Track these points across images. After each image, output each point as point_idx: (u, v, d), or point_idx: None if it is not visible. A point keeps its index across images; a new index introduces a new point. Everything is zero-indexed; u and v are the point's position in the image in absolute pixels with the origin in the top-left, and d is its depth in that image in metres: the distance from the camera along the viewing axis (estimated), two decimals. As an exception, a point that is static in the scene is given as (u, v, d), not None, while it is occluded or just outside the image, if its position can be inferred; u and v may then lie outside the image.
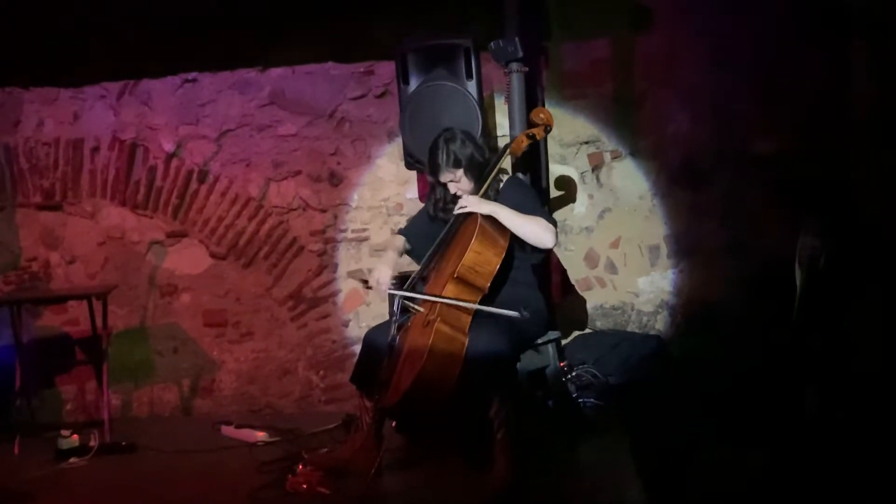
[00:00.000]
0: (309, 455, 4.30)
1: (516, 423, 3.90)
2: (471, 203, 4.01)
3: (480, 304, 3.87)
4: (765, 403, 4.67)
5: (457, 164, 4.15)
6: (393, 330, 3.88)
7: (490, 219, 3.96)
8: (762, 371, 4.85)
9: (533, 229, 4.00)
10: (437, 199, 4.37)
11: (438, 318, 3.77)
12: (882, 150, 4.76)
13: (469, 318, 3.84)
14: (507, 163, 4.40)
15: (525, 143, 4.24)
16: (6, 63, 5.81)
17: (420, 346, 3.76)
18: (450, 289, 3.84)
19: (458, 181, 4.19)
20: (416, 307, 3.95)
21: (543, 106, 5.13)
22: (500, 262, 3.89)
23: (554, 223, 4.06)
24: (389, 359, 3.86)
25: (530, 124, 4.31)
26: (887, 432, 4.13)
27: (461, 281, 3.84)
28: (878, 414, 4.22)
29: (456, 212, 4.07)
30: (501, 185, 4.24)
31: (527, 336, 4.15)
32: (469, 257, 3.83)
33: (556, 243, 4.10)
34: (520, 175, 4.62)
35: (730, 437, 4.54)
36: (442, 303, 3.81)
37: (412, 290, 4.08)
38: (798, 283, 4.60)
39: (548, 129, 4.25)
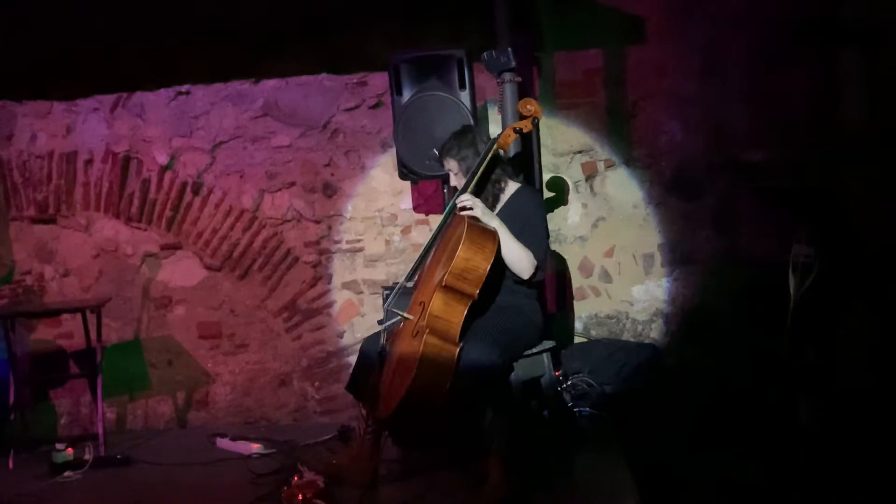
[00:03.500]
0: (306, 464, 4.29)
1: (511, 434, 3.89)
2: (477, 210, 3.97)
3: (469, 310, 3.82)
4: (758, 413, 4.68)
5: (451, 155, 4.22)
6: (382, 339, 3.88)
7: (477, 223, 3.93)
8: (756, 380, 4.86)
9: (518, 256, 4.00)
10: (449, 188, 4.41)
11: (428, 330, 3.72)
12: (872, 158, 4.78)
13: (458, 328, 3.79)
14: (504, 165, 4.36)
15: (513, 136, 4.19)
16: (-1, 76, 5.84)
17: (410, 357, 3.72)
18: (438, 297, 3.79)
19: (455, 174, 4.24)
20: (405, 314, 3.93)
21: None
22: (489, 266, 3.82)
23: (544, 256, 4.08)
24: (379, 368, 3.85)
25: (518, 117, 4.27)
26: (880, 442, 4.14)
27: (449, 290, 3.79)
28: (870, 424, 4.23)
29: (459, 204, 4.01)
30: (512, 190, 4.22)
31: (520, 346, 4.11)
32: (457, 264, 3.78)
33: (534, 277, 4.08)
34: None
35: (724, 446, 4.55)
36: (431, 312, 3.77)
37: (401, 296, 4.08)
38: (792, 291, 4.61)
39: (535, 121, 4.19)
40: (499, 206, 4.21)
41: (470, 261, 3.80)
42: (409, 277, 4.12)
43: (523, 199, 4.22)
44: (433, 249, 4.11)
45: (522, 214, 4.13)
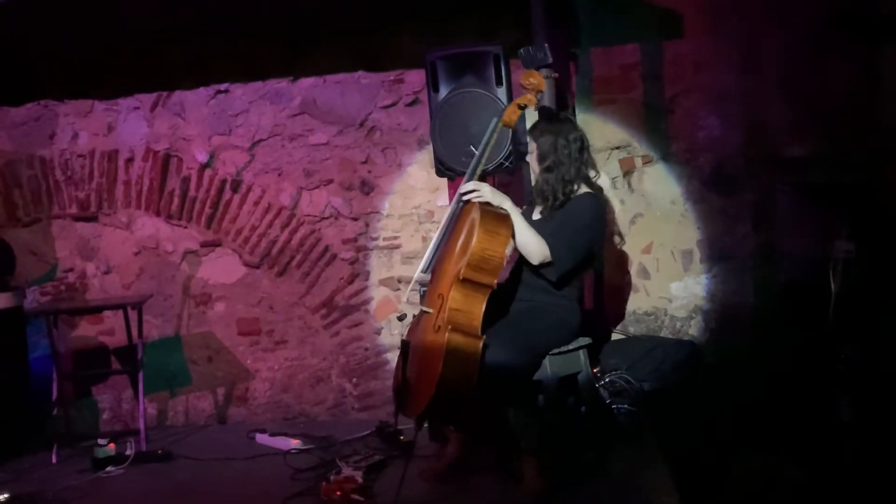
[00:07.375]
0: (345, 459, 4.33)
1: (547, 431, 3.88)
2: (486, 194, 3.95)
3: (489, 300, 3.78)
4: (799, 410, 4.63)
5: (532, 136, 4.22)
6: (404, 334, 3.91)
7: (489, 209, 3.90)
8: (796, 377, 4.81)
9: (527, 240, 3.95)
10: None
11: (450, 326, 3.67)
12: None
13: (480, 319, 3.74)
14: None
15: (517, 112, 4.15)
16: (41, 76, 5.91)
17: (435, 353, 3.68)
18: (457, 289, 3.76)
19: (531, 152, 4.22)
20: (424, 308, 3.93)
21: (573, 111, 5.16)
22: (505, 251, 3.82)
23: (569, 259, 4.00)
24: (403, 361, 3.84)
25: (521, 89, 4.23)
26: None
27: (468, 282, 3.76)
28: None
29: (463, 195, 4.00)
30: (574, 193, 4.14)
31: (543, 346, 4.04)
32: (474, 255, 3.75)
33: (545, 269, 4.02)
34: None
35: (764, 444, 4.51)
36: (451, 306, 3.73)
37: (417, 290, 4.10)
38: (833, 287, 4.56)
39: (539, 95, 4.16)
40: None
41: (486, 250, 3.78)
42: (425, 269, 4.09)
43: (579, 203, 4.13)
44: (446, 238, 4.06)
45: (569, 214, 4.07)
